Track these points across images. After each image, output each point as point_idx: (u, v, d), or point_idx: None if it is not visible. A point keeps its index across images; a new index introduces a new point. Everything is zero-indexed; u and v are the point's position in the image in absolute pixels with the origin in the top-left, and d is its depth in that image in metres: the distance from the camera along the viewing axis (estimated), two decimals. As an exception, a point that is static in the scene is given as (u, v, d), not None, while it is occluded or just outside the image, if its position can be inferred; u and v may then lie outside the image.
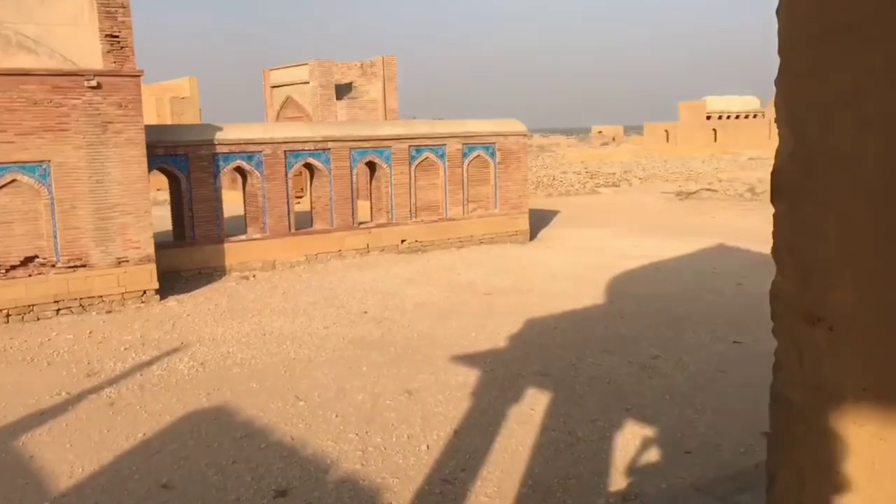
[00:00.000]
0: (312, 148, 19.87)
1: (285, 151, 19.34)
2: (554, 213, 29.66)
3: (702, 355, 11.58)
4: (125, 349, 12.45)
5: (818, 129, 2.12)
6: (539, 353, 11.74)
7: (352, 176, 20.49)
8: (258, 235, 19.18)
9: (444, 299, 15.78)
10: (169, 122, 36.04)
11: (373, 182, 21.60)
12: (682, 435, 8.62)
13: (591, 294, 15.79)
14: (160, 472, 7.94)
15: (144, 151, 15.53)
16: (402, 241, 21.29)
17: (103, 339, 13.13)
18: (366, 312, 14.69)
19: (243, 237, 19.13)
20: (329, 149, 20.05)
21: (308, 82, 29.23)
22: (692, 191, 36.62)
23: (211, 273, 18.07)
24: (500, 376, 10.74)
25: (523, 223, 23.54)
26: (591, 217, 28.84)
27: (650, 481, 7.51)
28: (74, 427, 9.21)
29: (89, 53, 14.83)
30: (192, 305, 15.49)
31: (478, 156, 22.54)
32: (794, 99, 2.22)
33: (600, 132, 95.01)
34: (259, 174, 19.01)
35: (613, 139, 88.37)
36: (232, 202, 20.27)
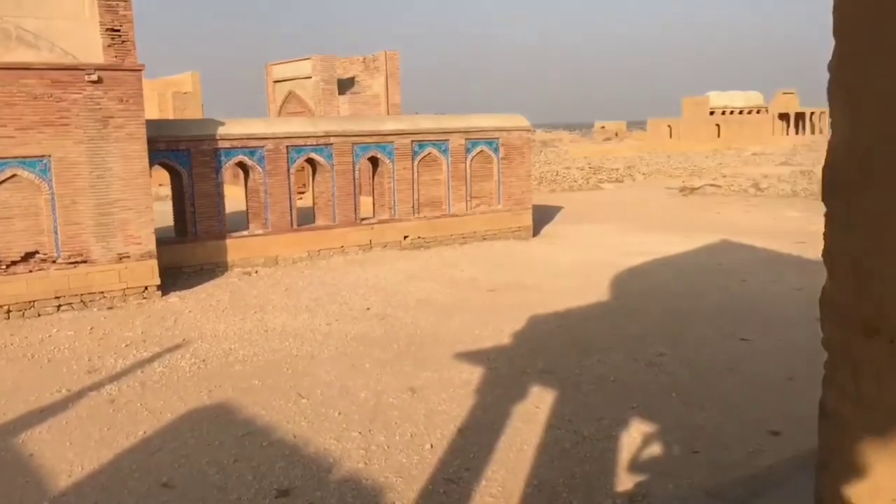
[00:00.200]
0: (315, 143, 19.75)
1: (287, 146, 19.22)
2: (557, 208, 29.52)
3: (708, 353, 11.47)
4: (126, 346, 12.36)
5: (879, 118, 1.91)
6: (543, 351, 11.64)
7: (354, 171, 20.36)
8: (260, 231, 19.08)
9: (448, 296, 15.67)
10: (171, 117, 35.94)
11: (375, 178, 21.47)
12: (689, 434, 8.51)
13: (595, 291, 15.68)
14: (160, 470, 7.85)
15: (146, 146, 15.42)
16: (405, 237, 21.18)
17: (104, 335, 13.04)
18: (368, 309, 14.59)
19: (245, 233, 19.03)
20: (331, 144, 19.93)
21: (310, 77, 29.09)
22: (696, 186, 36.46)
23: (213, 269, 17.97)
24: (504, 374, 10.64)
25: (527, 219, 23.41)
26: (595, 213, 28.70)
27: (657, 482, 7.40)
28: (74, 425, 9.12)
29: (90, 47, 14.71)
30: (194, 302, 15.39)
31: (481, 151, 22.41)
32: (852, 85, 2.01)
33: (603, 127, 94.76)
34: (261, 169, 18.90)
35: (616, 135, 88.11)
36: (234, 197, 20.17)
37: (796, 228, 23.82)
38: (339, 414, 9.30)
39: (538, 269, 18.30)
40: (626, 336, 12.39)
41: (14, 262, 14.33)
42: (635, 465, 7.83)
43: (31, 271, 14.46)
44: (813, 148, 56.92)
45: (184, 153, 17.84)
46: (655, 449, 8.25)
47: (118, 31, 14.86)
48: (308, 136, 19.68)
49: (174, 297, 15.71)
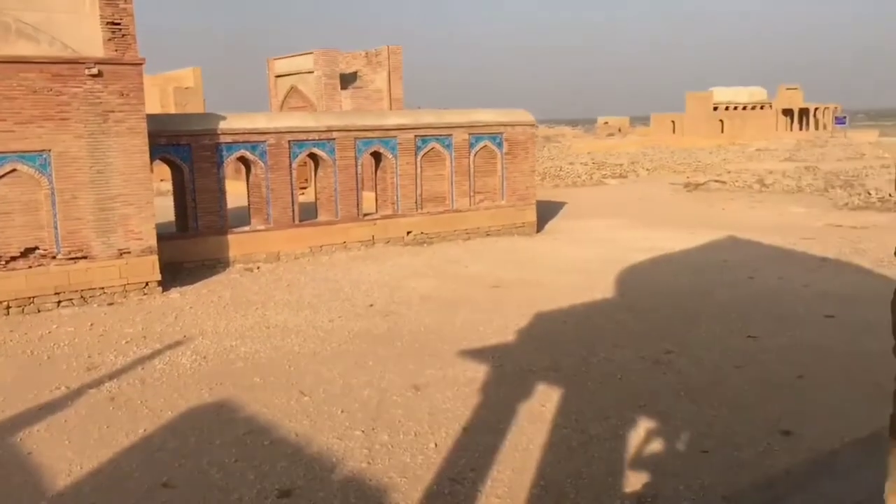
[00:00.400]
0: (317, 138, 19.59)
1: (289, 141, 19.07)
2: (561, 204, 29.36)
3: (716, 350, 11.31)
4: (126, 342, 12.23)
5: None
6: (549, 348, 11.49)
7: (357, 166, 20.20)
8: (262, 227, 18.93)
9: (451, 292, 15.51)
10: (173, 112, 35.79)
11: (378, 173, 21.31)
12: (698, 433, 8.35)
13: (600, 287, 15.52)
14: (161, 470, 7.71)
15: (146, 141, 15.27)
16: (408, 232, 21.02)
17: (104, 331, 12.91)
18: (371, 305, 14.44)
19: (247, 228, 18.88)
20: (334, 139, 19.77)
21: (312, 72, 28.91)
22: (700, 182, 36.26)
23: (214, 265, 17.84)
24: (509, 372, 10.49)
25: (530, 215, 23.25)
26: (599, 209, 28.54)
27: (666, 482, 7.25)
28: (74, 423, 8.99)
29: (90, 41, 14.56)
30: (195, 298, 15.25)
31: (484, 146, 22.23)
32: None
33: (606, 123, 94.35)
34: (263, 164, 18.75)
35: (619, 130, 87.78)
36: (235, 193, 20.00)
37: (802, 224, 23.66)
38: (342, 412, 9.16)
39: (542, 266, 18.14)
40: (632, 333, 12.24)
41: (13, 258, 14.20)
42: (644, 465, 7.68)
43: (30, 267, 14.33)
44: (817, 144, 56.65)
45: (185, 148, 17.69)
46: (664, 448, 8.10)
47: (118, 24, 14.71)
48: (310, 131, 19.51)
49: (175, 293, 15.58)
